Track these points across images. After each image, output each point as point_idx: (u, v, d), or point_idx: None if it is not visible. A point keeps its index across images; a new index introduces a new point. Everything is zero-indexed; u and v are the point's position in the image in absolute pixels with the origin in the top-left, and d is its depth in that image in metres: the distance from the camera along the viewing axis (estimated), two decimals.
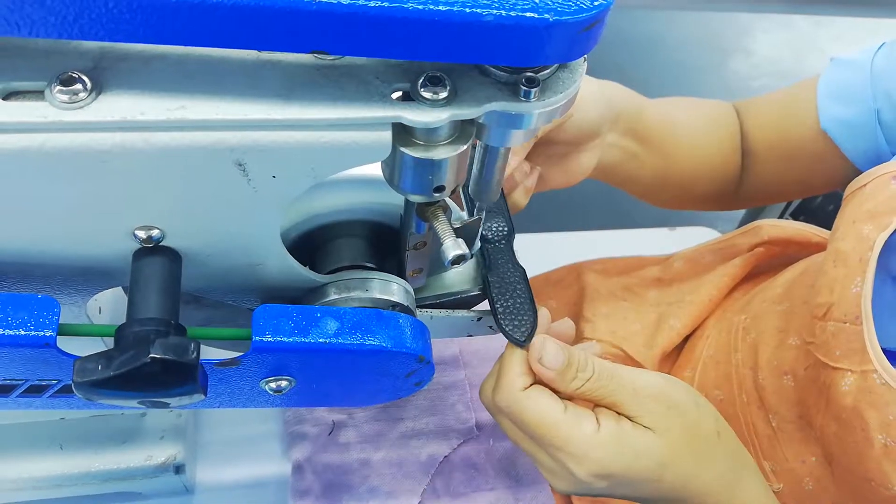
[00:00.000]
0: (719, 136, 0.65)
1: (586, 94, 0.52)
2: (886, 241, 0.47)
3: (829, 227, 0.73)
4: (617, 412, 0.42)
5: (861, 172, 0.60)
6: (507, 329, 0.43)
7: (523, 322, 0.44)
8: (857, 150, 0.59)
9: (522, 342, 0.42)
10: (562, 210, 0.52)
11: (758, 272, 0.74)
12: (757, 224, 0.72)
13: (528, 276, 0.48)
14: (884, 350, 0.46)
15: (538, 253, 0.54)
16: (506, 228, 0.48)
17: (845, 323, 0.47)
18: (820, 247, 0.72)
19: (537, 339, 0.42)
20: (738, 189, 0.68)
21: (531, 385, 0.42)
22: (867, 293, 0.46)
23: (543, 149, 0.55)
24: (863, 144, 0.59)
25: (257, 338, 0.33)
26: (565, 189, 0.60)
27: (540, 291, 0.84)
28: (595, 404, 0.42)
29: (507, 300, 0.44)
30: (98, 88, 0.27)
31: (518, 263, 0.47)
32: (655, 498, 0.43)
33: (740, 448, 0.46)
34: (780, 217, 1.16)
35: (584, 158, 0.56)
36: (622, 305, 0.76)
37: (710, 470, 0.43)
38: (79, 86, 0.27)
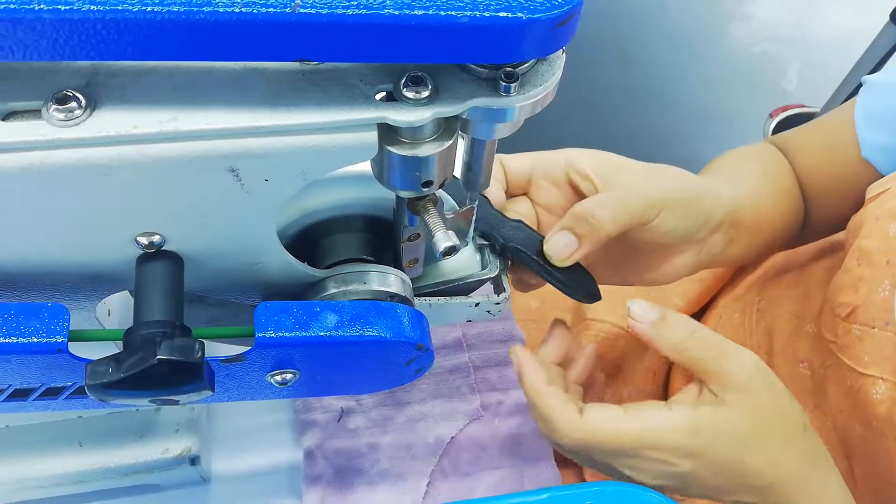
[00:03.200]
0: (786, 189, 0.61)
1: (672, 199, 0.47)
2: None
3: None
4: (704, 384, 0.42)
5: None
6: (578, 296, 0.45)
7: (585, 284, 0.45)
8: None
9: (594, 297, 0.45)
10: None
11: None
12: None
13: None
14: None
15: None
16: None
17: (873, 328, 0.46)
18: None
19: (629, 300, 0.44)
20: (802, 230, 0.65)
21: (581, 407, 0.42)
22: None
23: (626, 246, 0.49)
24: None
25: (260, 334, 0.34)
26: None
27: None
28: (680, 379, 0.42)
29: (559, 273, 0.45)
30: (92, 105, 0.28)
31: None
32: (741, 484, 0.42)
33: (825, 448, 0.44)
34: None
35: (679, 261, 0.50)
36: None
37: (796, 459, 0.42)
38: (74, 104, 0.28)
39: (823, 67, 2.13)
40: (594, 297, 0.46)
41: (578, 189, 0.48)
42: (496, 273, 0.47)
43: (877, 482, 0.46)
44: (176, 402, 0.34)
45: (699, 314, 0.71)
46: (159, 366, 0.30)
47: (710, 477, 0.42)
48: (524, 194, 0.49)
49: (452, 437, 0.59)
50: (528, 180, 0.48)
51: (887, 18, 1.21)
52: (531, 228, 0.46)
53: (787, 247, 0.68)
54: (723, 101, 2.04)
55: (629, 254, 0.51)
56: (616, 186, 0.46)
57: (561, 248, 0.44)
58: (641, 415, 0.41)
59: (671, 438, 0.41)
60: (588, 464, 0.46)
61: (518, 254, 0.46)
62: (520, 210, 0.48)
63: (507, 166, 0.48)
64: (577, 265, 0.45)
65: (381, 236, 0.44)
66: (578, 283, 0.46)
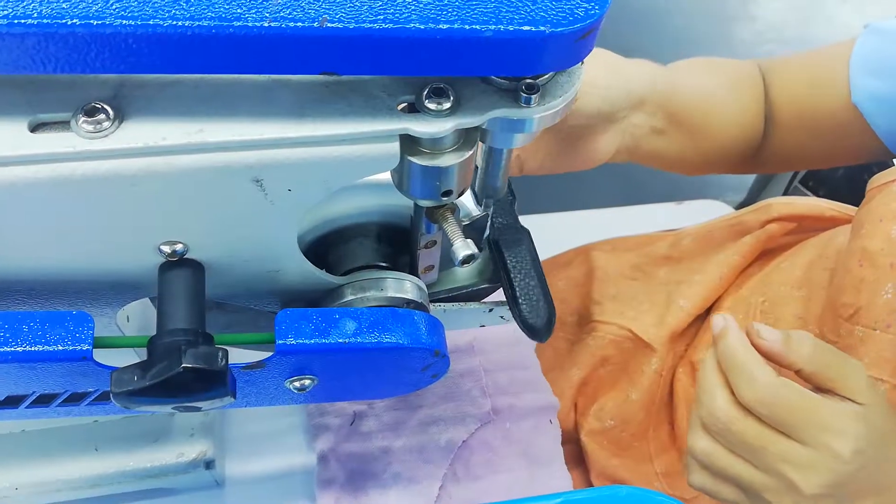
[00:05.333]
0: (746, 104, 0.62)
1: (595, 78, 0.50)
2: None
3: (839, 195, 0.72)
4: (832, 392, 0.41)
5: (889, 150, 0.57)
6: (527, 319, 0.43)
7: (539, 308, 0.44)
8: (888, 128, 0.56)
9: (543, 331, 0.43)
10: (566, 189, 0.53)
11: (772, 248, 0.74)
12: (767, 202, 0.70)
13: None
14: None
15: (543, 234, 0.55)
16: (509, 196, 0.47)
17: (875, 330, 0.46)
18: (834, 221, 0.72)
19: (752, 323, 0.43)
20: (757, 155, 0.65)
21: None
22: None
23: (554, 133, 0.53)
24: (894, 121, 0.55)
25: (280, 341, 0.35)
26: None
27: (548, 273, 0.84)
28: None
29: (522, 286, 0.44)
30: (120, 117, 0.29)
31: (523, 235, 0.46)
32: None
33: None
34: (789, 184, 1.15)
35: (602, 142, 0.53)
36: (631, 285, 0.77)
37: None
38: (102, 115, 0.28)
39: None
40: (533, 329, 0.44)
41: None
42: None
43: None
44: (198, 409, 0.35)
45: (704, 316, 0.71)
46: (184, 374, 0.31)
47: (867, 478, 0.40)
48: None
49: (464, 441, 0.59)
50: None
51: None
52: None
53: (735, 170, 0.68)
54: None
55: (560, 141, 0.54)
56: None
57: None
58: (831, 401, 0.41)
59: (855, 428, 0.40)
60: (742, 443, 0.43)
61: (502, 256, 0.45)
62: None
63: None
64: (543, 289, 0.45)
65: (397, 244, 0.44)
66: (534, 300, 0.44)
